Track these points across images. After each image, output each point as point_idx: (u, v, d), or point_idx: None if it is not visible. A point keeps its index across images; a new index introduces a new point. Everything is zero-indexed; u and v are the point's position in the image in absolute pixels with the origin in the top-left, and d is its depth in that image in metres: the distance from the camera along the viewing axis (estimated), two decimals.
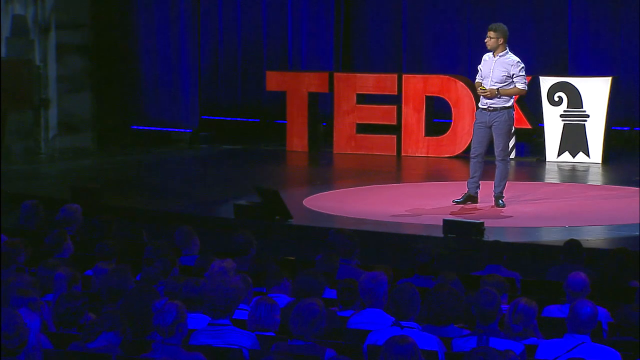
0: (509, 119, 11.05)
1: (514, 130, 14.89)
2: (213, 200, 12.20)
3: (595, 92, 14.40)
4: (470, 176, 11.29)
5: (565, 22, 15.75)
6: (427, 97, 15.19)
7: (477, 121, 11.17)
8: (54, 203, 10.71)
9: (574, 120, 14.50)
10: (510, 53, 11.04)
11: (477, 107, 11.27)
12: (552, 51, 15.96)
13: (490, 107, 11.02)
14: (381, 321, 6.48)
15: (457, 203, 11.30)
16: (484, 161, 11.23)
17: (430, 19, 16.57)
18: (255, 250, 8.42)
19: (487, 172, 11.37)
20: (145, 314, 6.15)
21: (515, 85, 11.00)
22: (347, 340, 6.41)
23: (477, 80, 11.14)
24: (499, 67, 10.98)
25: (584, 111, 14.46)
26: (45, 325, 6.39)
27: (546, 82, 14.62)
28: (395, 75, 15.42)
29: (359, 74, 15.80)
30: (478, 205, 11.28)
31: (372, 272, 6.74)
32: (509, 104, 11.04)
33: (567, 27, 15.73)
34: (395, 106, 15.33)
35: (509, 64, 10.97)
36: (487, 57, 11.11)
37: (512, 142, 14.94)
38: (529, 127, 14.89)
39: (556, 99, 14.58)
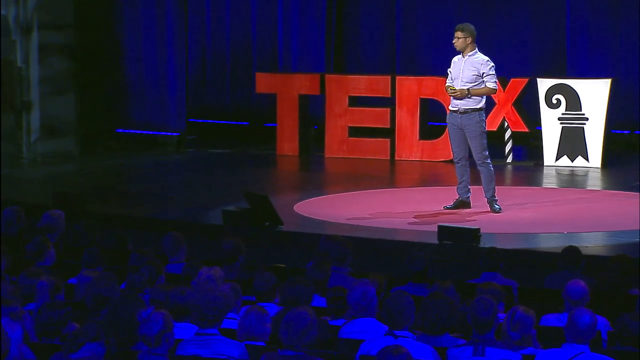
0: (480, 121, 11.09)
1: (511, 134, 14.96)
2: (201, 206, 12.19)
3: (595, 94, 14.42)
4: (458, 181, 11.34)
5: (564, 22, 15.77)
6: (422, 100, 15.20)
7: (450, 125, 11.23)
8: (36, 209, 10.69)
9: (573, 123, 14.52)
10: (479, 52, 11.12)
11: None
12: (550, 52, 15.99)
13: (461, 108, 11.08)
14: (374, 330, 6.49)
15: (449, 209, 11.32)
16: (469, 164, 11.26)
17: (425, 18, 16.59)
18: (244, 257, 8.42)
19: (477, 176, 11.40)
20: (130, 323, 6.15)
21: (485, 85, 11.06)
22: (339, 350, 6.41)
23: (447, 83, 11.18)
24: (468, 67, 11.05)
25: (583, 114, 14.48)
26: (27, 335, 6.38)
27: (544, 84, 14.64)
28: (389, 77, 15.43)
29: (351, 76, 15.80)
30: (472, 210, 11.29)
31: (359, 283, 6.74)
32: (480, 105, 11.09)
33: (566, 27, 15.75)
34: (388, 109, 15.34)
35: (479, 63, 11.04)
36: (456, 59, 11.20)
37: (508, 146, 14.98)
38: (526, 130, 14.91)
39: (554, 101, 14.60)
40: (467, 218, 11.04)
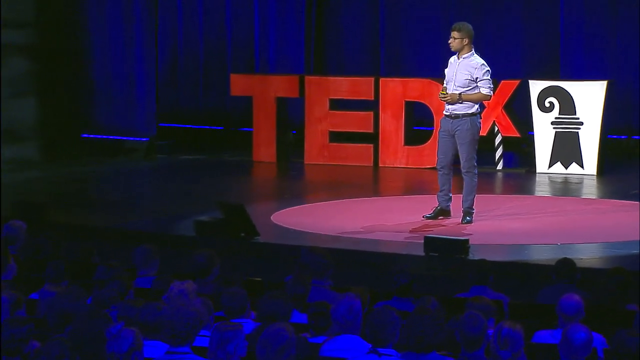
0: (472, 127, 11.12)
1: (501, 139, 15.01)
2: (172, 216, 12.18)
3: (590, 97, 14.49)
4: (440, 189, 11.38)
5: (557, 20, 15.84)
6: (407, 103, 15.24)
7: (441, 129, 11.28)
8: None
9: (567, 128, 14.59)
10: (475, 55, 11.15)
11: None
12: (543, 52, 16.05)
13: (453, 113, 11.13)
14: (357, 348, 6.49)
15: (428, 218, 11.37)
16: (452, 172, 11.30)
17: (410, 17, 16.63)
18: (218, 271, 8.41)
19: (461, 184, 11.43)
20: (97, 341, 6.14)
21: (479, 90, 11.10)
22: None
23: (443, 86, 11.23)
24: (462, 70, 11.10)
25: (578, 118, 14.55)
26: None
27: (536, 87, 14.70)
28: (372, 79, 15.47)
29: (332, 78, 15.83)
30: (460, 220, 11.31)
31: (345, 297, 6.75)
32: (473, 110, 11.13)
33: (559, 26, 15.82)
34: (371, 112, 15.37)
35: (473, 67, 11.08)
36: (452, 59, 11.26)
37: (499, 152, 15.04)
38: (518, 135, 14.97)
39: (547, 104, 14.66)
40: (455, 229, 11.06)
